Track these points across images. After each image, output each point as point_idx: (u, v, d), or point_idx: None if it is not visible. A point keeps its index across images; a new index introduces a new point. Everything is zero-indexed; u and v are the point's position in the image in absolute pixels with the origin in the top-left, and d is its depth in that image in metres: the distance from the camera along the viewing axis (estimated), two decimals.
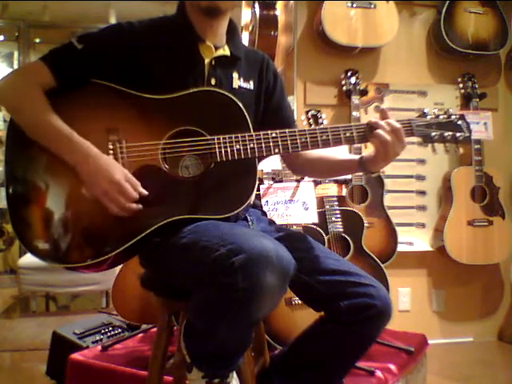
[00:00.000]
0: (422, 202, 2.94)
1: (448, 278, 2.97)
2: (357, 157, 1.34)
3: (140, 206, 1.17)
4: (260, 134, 1.23)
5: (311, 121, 2.42)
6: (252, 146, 1.21)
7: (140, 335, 2.19)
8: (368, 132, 1.26)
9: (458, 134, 1.30)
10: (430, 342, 2.31)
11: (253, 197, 1.25)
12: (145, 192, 1.18)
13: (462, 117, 1.31)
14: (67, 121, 1.20)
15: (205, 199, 1.23)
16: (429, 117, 1.30)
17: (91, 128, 1.21)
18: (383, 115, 1.27)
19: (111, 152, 1.21)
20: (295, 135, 1.24)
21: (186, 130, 1.22)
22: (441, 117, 1.30)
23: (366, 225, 2.34)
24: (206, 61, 1.32)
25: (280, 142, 1.23)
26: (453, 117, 1.30)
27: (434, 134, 1.29)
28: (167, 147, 1.22)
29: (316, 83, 2.82)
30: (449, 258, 2.78)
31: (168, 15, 1.38)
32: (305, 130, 1.25)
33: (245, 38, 3.09)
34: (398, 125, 1.24)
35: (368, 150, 1.33)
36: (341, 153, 1.40)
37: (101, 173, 1.16)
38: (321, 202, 2.30)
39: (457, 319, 3.00)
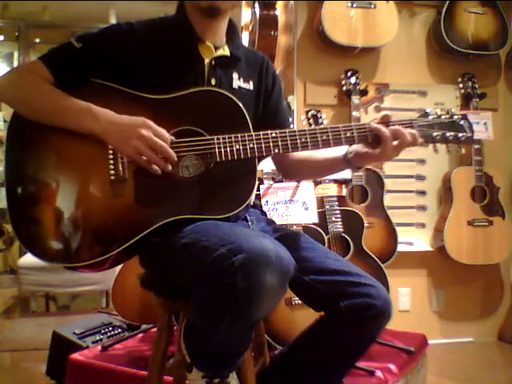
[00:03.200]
0: (422, 202, 2.94)
1: (448, 278, 2.96)
2: (341, 154, 1.33)
3: (170, 166, 1.18)
4: (260, 134, 1.22)
5: (311, 121, 2.42)
6: (252, 146, 1.21)
7: (140, 335, 2.19)
8: (369, 133, 1.25)
9: (460, 135, 1.29)
10: (430, 342, 2.31)
11: (253, 197, 1.25)
12: (173, 138, 1.19)
13: (464, 117, 1.30)
14: None
15: (205, 199, 1.22)
16: (431, 117, 1.29)
17: None
18: (384, 120, 1.26)
19: (111, 152, 1.21)
20: (295, 135, 1.24)
21: (185, 130, 1.22)
22: (443, 117, 1.29)
23: (365, 225, 2.34)
24: (206, 61, 1.31)
25: (280, 142, 1.23)
26: (455, 117, 1.29)
27: (435, 134, 1.28)
28: None
29: (316, 83, 2.82)
30: (449, 258, 2.78)
31: (168, 15, 1.38)
32: (305, 130, 1.25)
33: (245, 38, 3.09)
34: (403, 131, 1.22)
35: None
36: (327, 151, 1.37)
37: (129, 133, 1.17)
38: (321, 202, 2.30)
39: (457, 319, 3.00)
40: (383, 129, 1.22)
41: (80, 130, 1.20)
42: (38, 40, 5.36)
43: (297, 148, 1.24)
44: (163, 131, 1.19)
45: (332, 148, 1.29)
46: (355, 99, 2.62)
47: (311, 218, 2.09)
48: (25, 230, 1.20)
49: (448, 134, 1.28)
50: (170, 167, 1.19)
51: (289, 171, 1.53)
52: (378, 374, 1.83)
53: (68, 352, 1.97)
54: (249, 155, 1.22)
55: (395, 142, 1.22)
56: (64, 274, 3.36)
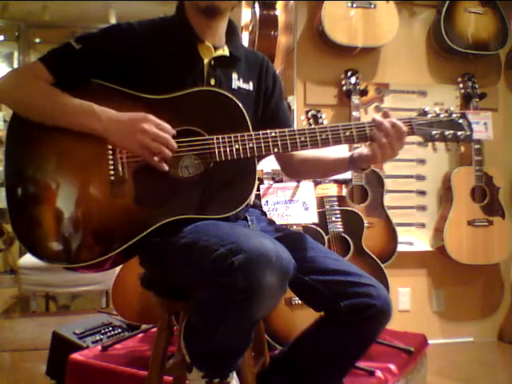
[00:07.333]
0: (422, 202, 2.94)
1: (448, 278, 2.96)
2: (347, 155, 1.34)
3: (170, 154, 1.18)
4: (259, 134, 1.22)
5: (311, 121, 2.43)
6: (251, 145, 1.21)
7: (140, 335, 2.19)
8: (368, 132, 1.25)
9: (459, 133, 1.28)
10: (430, 342, 2.31)
11: (252, 196, 1.25)
12: (174, 132, 1.19)
13: (463, 115, 1.29)
14: None
15: (205, 199, 1.22)
16: (429, 115, 1.29)
17: None
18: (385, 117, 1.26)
19: (110, 152, 1.21)
20: (294, 134, 1.24)
21: (185, 130, 1.22)
22: (442, 115, 1.29)
23: (366, 225, 2.34)
24: (205, 61, 1.32)
25: (279, 142, 1.23)
26: (454, 115, 1.29)
27: (434, 132, 1.28)
28: None
29: (316, 83, 2.82)
30: (449, 258, 2.78)
31: (167, 16, 1.38)
32: (304, 130, 1.25)
33: (245, 38, 3.09)
34: (400, 124, 1.23)
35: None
36: (333, 152, 1.38)
37: (131, 128, 1.17)
38: (321, 202, 2.30)
39: (457, 319, 3.00)
40: (382, 121, 1.23)
41: (82, 129, 1.20)
42: (38, 40, 5.37)
43: (296, 147, 1.24)
44: (164, 124, 1.19)
45: (337, 149, 1.29)
46: (355, 99, 2.62)
47: (311, 218, 2.09)
48: (24, 231, 1.20)
49: (447, 133, 1.28)
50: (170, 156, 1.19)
51: (293, 171, 1.53)
52: (378, 373, 1.83)
53: (68, 352, 1.97)
54: (248, 155, 1.22)
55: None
56: (64, 274, 3.36)
